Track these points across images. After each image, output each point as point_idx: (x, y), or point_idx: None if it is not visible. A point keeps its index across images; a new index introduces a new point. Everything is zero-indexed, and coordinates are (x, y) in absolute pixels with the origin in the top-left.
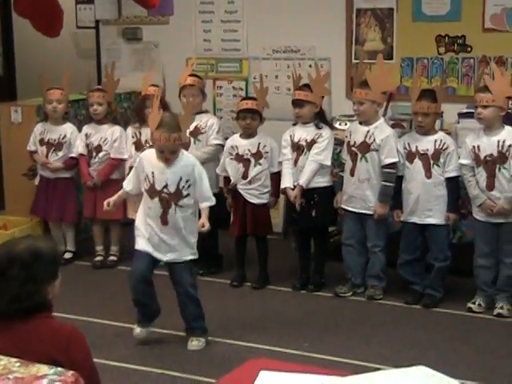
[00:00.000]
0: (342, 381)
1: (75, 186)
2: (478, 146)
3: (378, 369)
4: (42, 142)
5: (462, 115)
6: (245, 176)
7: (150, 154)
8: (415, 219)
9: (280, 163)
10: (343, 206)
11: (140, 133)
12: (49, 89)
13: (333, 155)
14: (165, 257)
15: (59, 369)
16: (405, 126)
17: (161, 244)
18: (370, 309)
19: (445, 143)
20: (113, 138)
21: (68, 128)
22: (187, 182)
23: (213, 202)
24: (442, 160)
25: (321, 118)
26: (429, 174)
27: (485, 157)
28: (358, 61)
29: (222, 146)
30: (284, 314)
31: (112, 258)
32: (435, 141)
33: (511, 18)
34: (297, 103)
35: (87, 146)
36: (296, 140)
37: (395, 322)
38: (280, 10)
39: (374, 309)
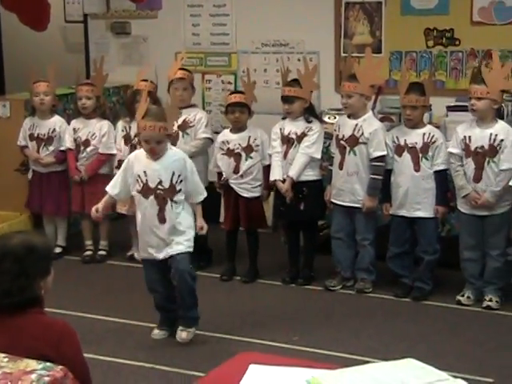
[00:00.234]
0: (331, 374)
1: (68, 180)
2: (470, 137)
3: (368, 362)
4: (31, 137)
5: (450, 108)
6: (236, 170)
7: (139, 155)
8: (404, 212)
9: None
10: (332, 200)
11: (130, 127)
12: (35, 81)
13: (322, 149)
14: (165, 254)
15: (48, 364)
16: (394, 120)
17: (159, 243)
18: (359, 302)
19: (433, 136)
20: (101, 132)
21: (57, 121)
22: (179, 176)
23: (205, 194)
24: (430, 153)
25: (311, 113)
26: (417, 168)
27: (475, 148)
28: (346, 54)
29: (211, 139)
30: (274, 307)
31: (101, 252)
32: (424, 134)
33: (499, 11)
34: (286, 99)
35: (75, 140)
36: (286, 133)
37: (385, 315)
38: (269, 4)
39: (363, 302)
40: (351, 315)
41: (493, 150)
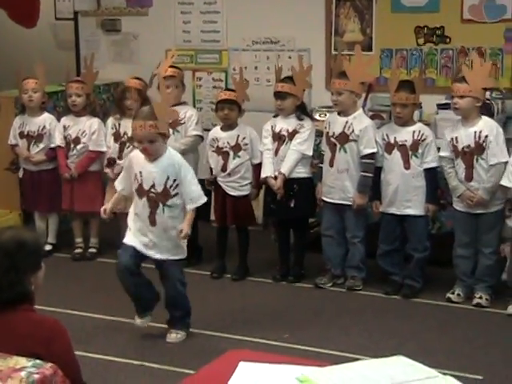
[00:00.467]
0: (321, 371)
1: (59, 177)
2: (456, 138)
3: (358, 359)
4: (21, 134)
5: (440, 106)
6: (224, 168)
7: (139, 154)
8: (394, 210)
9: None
10: (322, 197)
11: (119, 124)
12: (24, 79)
13: (313, 146)
14: (154, 256)
15: (38, 361)
16: (384, 117)
17: (150, 244)
18: (349, 299)
19: (423, 134)
20: (91, 130)
21: (47, 119)
22: (174, 181)
23: (203, 201)
24: (420, 151)
25: (302, 111)
26: (407, 165)
27: (463, 148)
28: (337, 52)
29: (201, 137)
30: (264, 305)
31: (91, 250)
32: (413, 132)
33: (489, 8)
34: (279, 95)
35: (65, 138)
36: (277, 130)
37: (375, 312)
38: (259, 2)
39: (353, 299)
40: (341, 313)
41: (479, 148)
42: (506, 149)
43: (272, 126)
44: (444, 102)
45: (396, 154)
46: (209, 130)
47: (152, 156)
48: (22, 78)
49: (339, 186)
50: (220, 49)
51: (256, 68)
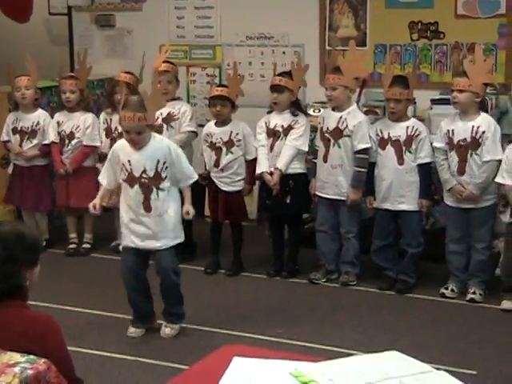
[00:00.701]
0: (315, 366)
1: (50, 174)
2: (453, 130)
3: (352, 354)
4: (14, 130)
5: (434, 102)
6: (217, 164)
7: (124, 144)
8: (388, 205)
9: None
10: (316, 193)
11: (111, 119)
12: (16, 76)
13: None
14: (153, 245)
15: (31, 357)
16: (378, 113)
17: (145, 233)
18: (343, 295)
19: (417, 129)
20: (85, 125)
21: (41, 115)
22: (164, 163)
23: (195, 177)
24: (414, 146)
25: (297, 107)
26: (401, 161)
27: (458, 141)
28: (331, 48)
29: (195, 132)
30: (258, 300)
31: (85, 245)
32: (407, 127)
33: (483, 4)
34: (276, 89)
35: (59, 133)
36: (272, 126)
37: (369, 307)
38: None
39: (347, 295)
40: (335, 308)
41: (475, 143)
42: (501, 145)
43: (266, 123)
44: (438, 97)
45: (390, 149)
46: (203, 126)
47: (138, 145)
48: (14, 76)
49: (333, 182)
50: (214, 44)
51: (250, 64)
